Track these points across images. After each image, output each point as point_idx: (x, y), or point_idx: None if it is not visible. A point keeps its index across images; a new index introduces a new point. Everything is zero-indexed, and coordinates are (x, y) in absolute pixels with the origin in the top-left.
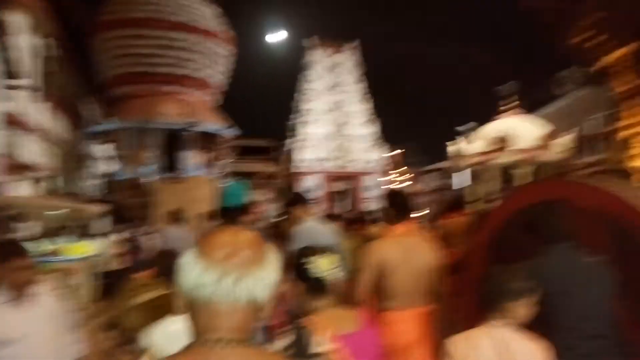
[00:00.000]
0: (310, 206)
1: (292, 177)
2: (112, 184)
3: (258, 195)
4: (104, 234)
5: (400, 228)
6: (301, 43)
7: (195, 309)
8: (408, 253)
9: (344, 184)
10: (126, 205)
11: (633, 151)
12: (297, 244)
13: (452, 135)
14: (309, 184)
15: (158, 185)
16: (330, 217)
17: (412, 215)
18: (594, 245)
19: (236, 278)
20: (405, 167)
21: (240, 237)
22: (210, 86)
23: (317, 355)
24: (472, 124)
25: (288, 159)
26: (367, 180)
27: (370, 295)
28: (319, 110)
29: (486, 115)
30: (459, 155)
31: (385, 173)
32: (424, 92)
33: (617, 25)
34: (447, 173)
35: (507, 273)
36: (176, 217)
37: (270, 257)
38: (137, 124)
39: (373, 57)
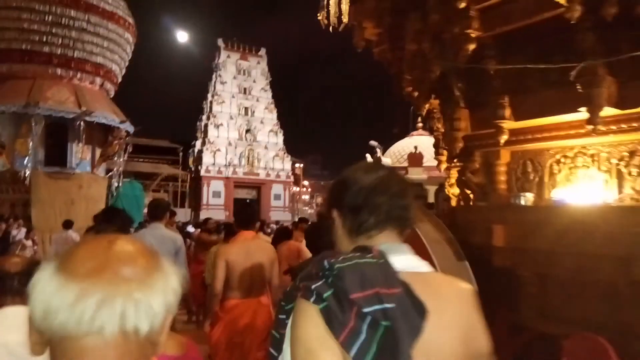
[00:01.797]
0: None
1: (194, 182)
2: None
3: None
4: None
5: (245, 234)
6: (209, 45)
7: (52, 345)
8: (249, 254)
9: (249, 191)
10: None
11: (450, 181)
12: None
13: (362, 149)
14: (214, 189)
15: (40, 180)
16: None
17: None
18: None
19: (101, 300)
20: (312, 179)
21: (118, 247)
22: (105, 74)
23: None
24: (377, 142)
25: (191, 162)
26: (274, 189)
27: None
28: (225, 115)
29: (398, 131)
30: None
31: (292, 183)
32: (334, 105)
33: (418, 86)
34: None
35: None
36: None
37: (161, 275)
38: (15, 108)
39: (282, 67)
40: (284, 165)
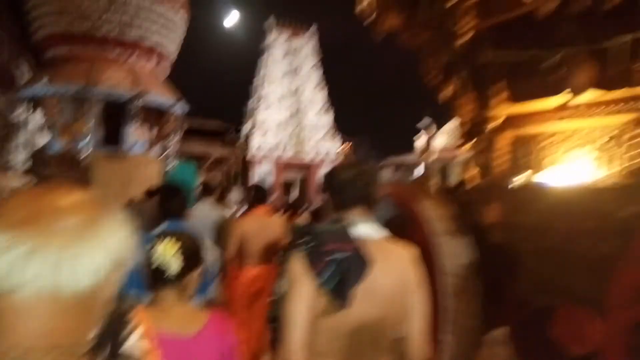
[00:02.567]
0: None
1: (244, 163)
2: (42, 156)
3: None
4: None
5: (259, 210)
6: (259, 25)
7: None
8: (261, 227)
9: (297, 173)
10: (58, 181)
11: (466, 162)
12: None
13: (411, 130)
14: (262, 171)
15: (96, 160)
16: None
17: (268, 201)
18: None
19: (31, 251)
20: (360, 159)
21: (56, 196)
22: (159, 55)
23: (124, 355)
24: (429, 120)
25: (241, 144)
26: (321, 171)
27: (235, 256)
28: (275, 95)
29: (446, 111)
30: (423, 150)
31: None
32: (382, 84)
33: (434, 71)
34: (405, 167)
35: None
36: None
37: (105, 228)
38: (74, 91)
39: (332, 44)
40: (333, 146)
